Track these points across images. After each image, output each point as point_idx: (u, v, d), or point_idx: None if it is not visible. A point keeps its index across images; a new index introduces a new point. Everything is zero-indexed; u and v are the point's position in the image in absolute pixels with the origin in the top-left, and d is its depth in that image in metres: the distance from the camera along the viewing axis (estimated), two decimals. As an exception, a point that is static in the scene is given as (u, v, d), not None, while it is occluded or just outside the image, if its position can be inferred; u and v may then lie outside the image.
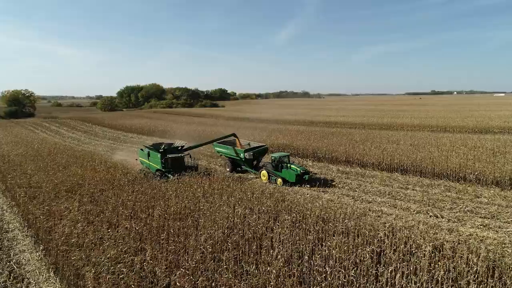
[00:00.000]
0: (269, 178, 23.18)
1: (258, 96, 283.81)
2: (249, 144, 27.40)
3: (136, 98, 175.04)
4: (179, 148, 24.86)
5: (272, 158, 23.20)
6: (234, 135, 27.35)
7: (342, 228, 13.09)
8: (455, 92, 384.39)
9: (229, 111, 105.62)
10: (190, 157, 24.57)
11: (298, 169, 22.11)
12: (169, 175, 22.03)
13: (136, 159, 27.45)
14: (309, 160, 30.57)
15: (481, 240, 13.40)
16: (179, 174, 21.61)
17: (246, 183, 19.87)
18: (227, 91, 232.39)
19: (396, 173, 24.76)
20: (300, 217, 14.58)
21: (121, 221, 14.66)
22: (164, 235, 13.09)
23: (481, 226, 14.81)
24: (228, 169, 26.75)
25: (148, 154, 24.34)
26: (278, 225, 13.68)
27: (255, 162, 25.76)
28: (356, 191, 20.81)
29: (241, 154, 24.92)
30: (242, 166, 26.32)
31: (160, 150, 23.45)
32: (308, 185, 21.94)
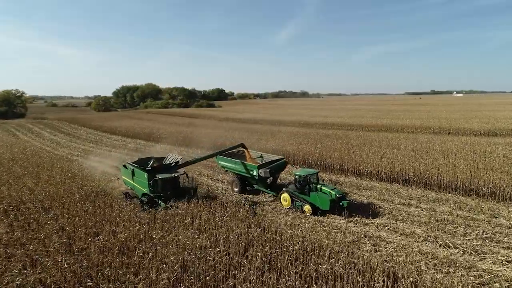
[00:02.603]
0: (292, 203, 17.82)
1: (257, 96, 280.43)
2: (261, 156, 22.33)
3: (132, 98, 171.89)
4: (173, 164, 19.30)
5: (296, 176, 17.91)
6: (242, 145, 22.16)
7: (328, 270, 9.98)
8: (454, 92, 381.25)
9: (224, 111, 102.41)
10: (187, 176, 19.12)
11: (333, 192, 16.62)
12: (160, 202, 16.96)
13: (118, 179, 21.18)
14: (299, 167, 27.40)
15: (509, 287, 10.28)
16: (172, 200, 16.66)
17: (217, 201, 16.67)
18: (224, 91, 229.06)
19: (397, 184, 21.64)
20: (275, 250, 11.48)
21: (50, 255, 11.59)
22: (93, 283, 10.00)
23: (506, 263, 11.66)
24: (236, 189, 21.18)
25: (133, 173, 18.81)
26: (245, 263, 10.58)
27: (269, 180, 20.14)
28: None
29: (254, 171, 19.59)
30: (254, 186, 21.05)
31: (148, 168, 18.31)
32: (345, 215, 16.21)
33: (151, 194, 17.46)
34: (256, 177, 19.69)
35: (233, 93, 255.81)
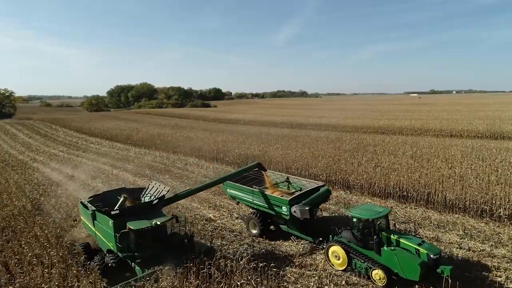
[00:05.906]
0: (349, 263, 11.23)
1: (255, 95, 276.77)
2: (287, 180, 16.17)
3: (126, 98, 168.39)
4: (154, 202, 12.18)
5: (354, 220, 11.31)
6: (259, 166, 15.98)
7: None
8: (454, 91, 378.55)
9: (217, 111, 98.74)
10: (177, 220, 11.76)
11: (423, 250, 10.08)
12: (133, 265, 10.76)
13: (75, 221, 14.55)
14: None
15: None
16: (155, 264, 10.42)
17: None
18: (221, 90, 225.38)
19: (392, 201, 18.14)
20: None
21: None
22: None
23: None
24: (254, 232, 14.66)
25: (94, 216, 11.92)
26: None
27: (302, 217, 12.80)
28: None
29: (283, 208, 13.15)
30: (282, 226, 14.58)
31: (114, 212, 11.26)
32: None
33: (120, 254, 10.78)
34: (287, 216, 13.17)
35: (231, 93, 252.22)
